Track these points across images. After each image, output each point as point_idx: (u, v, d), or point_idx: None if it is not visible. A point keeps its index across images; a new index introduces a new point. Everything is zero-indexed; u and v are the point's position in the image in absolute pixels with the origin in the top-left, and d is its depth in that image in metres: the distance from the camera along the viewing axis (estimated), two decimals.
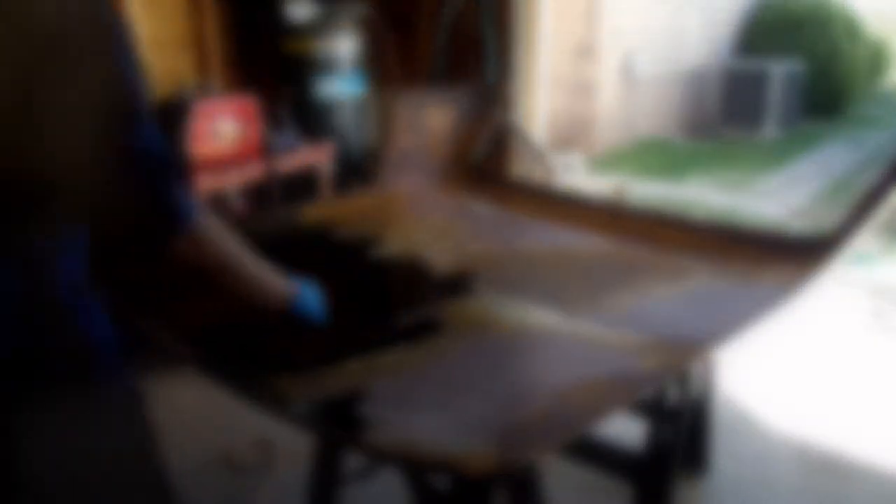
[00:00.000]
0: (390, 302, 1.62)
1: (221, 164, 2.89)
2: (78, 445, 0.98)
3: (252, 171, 3.00)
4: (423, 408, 1.13)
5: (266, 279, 1.27)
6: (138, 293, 1.37)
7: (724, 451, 2.25)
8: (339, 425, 1.13)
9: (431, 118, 2.08)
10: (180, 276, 1.20)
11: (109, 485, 1.03)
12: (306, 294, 1.31)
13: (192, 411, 2.45)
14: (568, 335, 1.33)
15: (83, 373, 1.02)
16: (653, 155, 6.71)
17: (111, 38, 0.94)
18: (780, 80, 7.22)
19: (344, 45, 3.39)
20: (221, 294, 1.23)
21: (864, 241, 4.09)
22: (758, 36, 8.23)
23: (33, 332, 0.96)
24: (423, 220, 1.93)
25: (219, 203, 2.84)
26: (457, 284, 1.56)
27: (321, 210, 1.97)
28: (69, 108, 0.89)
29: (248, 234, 1.18)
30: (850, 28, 8.20)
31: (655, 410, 1.75)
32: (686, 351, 1.25)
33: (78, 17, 0.89)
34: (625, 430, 2.04)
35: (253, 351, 1.29)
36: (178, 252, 1.11)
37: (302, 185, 3.34)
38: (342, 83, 3.44)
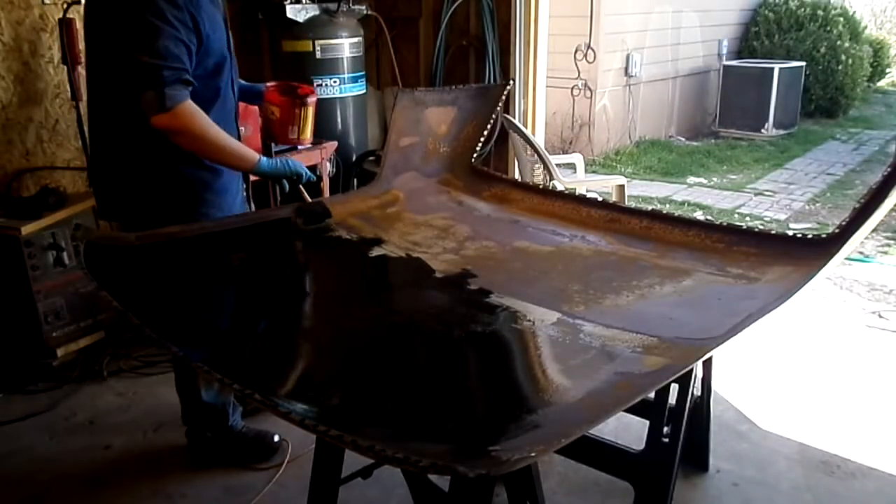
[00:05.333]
0: (390, 302, 1.62)
1: None
2: None
3: None
4: (424, 407, 1.13)
5: (239, 146, 1.85)
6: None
7: (724, 451, 2.25)
8: (338, 424, 1.13)
9: (431, 118, 2.08)
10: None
11: None
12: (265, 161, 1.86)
13: None
14: (567, 335, 1.33)
15: None
16: (653, 155, 6.71)
17: None
18: (780, 80, 7.21)
19: (344, 45, 3.39)
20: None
21: (864, 241, 4.08)
22: (758, 36, 8.23)
23: None
24: (423, 220, 1.93)
25: None
26: (456, 284, 1.56)
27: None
28: None
29: (249, 233, 1.19)
30: (850, 28, 8.21)
31: (655, 410, 1.75)
32: (686, 351, 1.25)
33: None
34: (625, 430, 2.04)
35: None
36: (167, 122, 1.68)
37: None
38: (342, 83, 3.43)
